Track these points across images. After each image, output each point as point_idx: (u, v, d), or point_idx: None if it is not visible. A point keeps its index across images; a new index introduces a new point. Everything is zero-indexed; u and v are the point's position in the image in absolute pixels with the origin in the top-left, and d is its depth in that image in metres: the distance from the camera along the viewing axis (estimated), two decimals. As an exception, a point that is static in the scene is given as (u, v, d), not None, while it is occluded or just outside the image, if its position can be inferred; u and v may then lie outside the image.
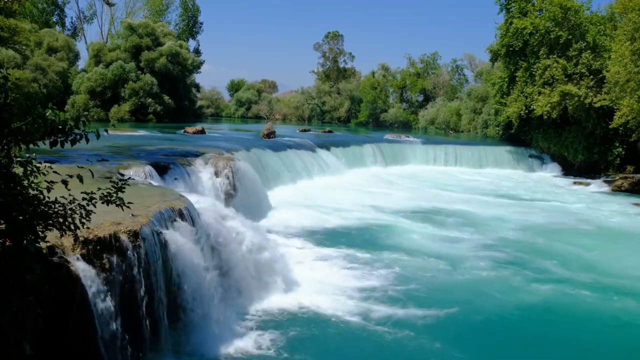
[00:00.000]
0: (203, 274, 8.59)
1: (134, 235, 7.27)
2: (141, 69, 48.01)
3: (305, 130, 41.82)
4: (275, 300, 10.02)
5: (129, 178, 7.23)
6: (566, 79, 31.17)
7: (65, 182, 5.07)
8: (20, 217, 4.74)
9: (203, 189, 15.07)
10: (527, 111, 32.91)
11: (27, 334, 4.62)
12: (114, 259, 6.84)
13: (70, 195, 5.27)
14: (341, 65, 75.76)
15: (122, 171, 12.50)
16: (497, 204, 22.15)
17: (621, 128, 28.66)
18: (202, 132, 30.54)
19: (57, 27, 59.79)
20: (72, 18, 72.42)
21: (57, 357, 5.94)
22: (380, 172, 29.41)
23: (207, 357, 7.94)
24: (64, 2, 62.71)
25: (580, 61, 31.09)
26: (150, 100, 46.51)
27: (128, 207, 5.79)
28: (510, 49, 33.85)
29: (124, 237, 7.08)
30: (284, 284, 10.47)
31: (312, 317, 9.53)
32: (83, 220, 5.39)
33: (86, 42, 62.09)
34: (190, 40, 68.21)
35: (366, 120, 66.10)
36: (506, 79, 35.91)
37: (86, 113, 41.93)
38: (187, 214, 8.99)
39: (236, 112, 78.65)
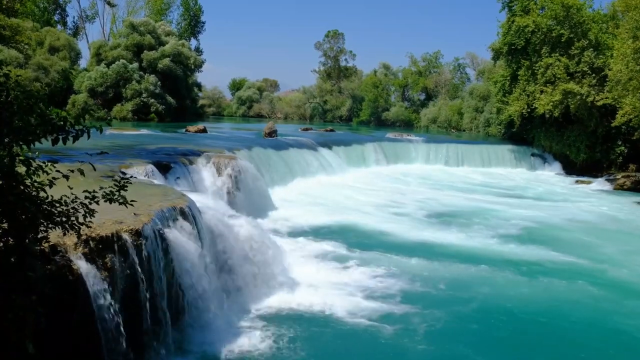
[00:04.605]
0: (205, 273, 8.59)
1: (136, 234, 7.27)
2: (143, 68, 48.01)
3: (307, 129, 41.89)
4: (277, 299, 10.01)
5: (131, 177, 7.20)
6: (568, 77, 31.11)
7: (67, 177, 5.06)
8: (23, 216, 4.73)
9: (205, 188, 15.09)
10: (529, 110, 32.84)
11: (29, 333, 4.61)
12: (116, 258, 6.85)
13: (72, 194, 5.26)
14: (342, 64, 75.70)
15: (124, 170, 12.48)
16: (500, 202, 22.10)
17: (623, 127, 28.61)
18: (204, 131, 30.57)
19: (59, 27, 59.80)
20: (74, 17, 72.67)
21: (59, 356, 5.94)
22: (383, 171, 29.38)
23: (209, 356, 7.94)
24: (65, 1, 62.77)
25: (583, 59, 31.03)
26: (152, 100, 46.54)
27: (132, 205, 5.78)
28: (512, 47, 33.76)
29: (126, 236, 7.08)
30: (285, 283, 10.47)
31: (313, 316, 9.52)
32: (85, 220, 5.38)
33: (88, 42, 62.15)
34: (192, 39, 68.25)
35: (368, 119, 66.04)
36: (508, 78, 35.83)
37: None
38: (189, 213, 8.98)
39: (238, 111, 78.61)
